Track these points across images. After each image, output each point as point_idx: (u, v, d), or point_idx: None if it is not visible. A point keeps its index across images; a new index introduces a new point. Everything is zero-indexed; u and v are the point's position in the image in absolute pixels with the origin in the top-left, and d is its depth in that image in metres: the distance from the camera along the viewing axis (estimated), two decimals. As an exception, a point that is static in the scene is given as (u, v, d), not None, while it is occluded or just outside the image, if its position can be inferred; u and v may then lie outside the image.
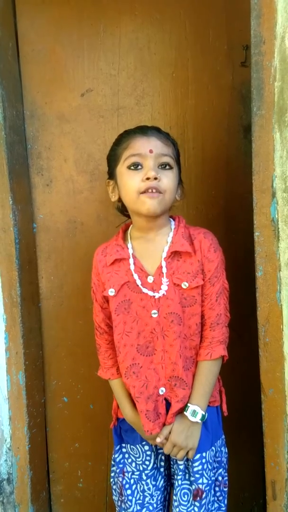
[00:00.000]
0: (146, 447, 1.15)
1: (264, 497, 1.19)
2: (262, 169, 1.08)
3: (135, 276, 1.09)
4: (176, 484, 1.13)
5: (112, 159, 1.11)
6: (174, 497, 1.13)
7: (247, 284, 1.22)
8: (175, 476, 1.13)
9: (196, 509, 1.09)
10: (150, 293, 1.07)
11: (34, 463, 1.49)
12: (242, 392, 1.43)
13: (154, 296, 1.07)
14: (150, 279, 1.08)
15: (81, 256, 1.51)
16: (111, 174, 1.12)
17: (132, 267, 1.09)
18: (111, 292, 1.10)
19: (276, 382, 1.12)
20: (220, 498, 1.16)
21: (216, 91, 1.42)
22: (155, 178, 1.02)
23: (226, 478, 1.18)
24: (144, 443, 1.14)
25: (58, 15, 1.45)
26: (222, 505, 1.17)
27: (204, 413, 1.07)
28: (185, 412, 1.07)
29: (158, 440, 1.07)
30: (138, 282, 1.08)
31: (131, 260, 1.10)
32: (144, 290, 1.08)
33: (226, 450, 1.20)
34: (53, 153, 1.50)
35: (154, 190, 1.02)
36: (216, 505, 1.16)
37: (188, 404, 1.07)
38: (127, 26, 1.43)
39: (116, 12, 1.43)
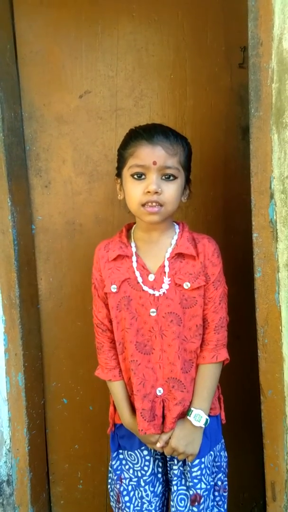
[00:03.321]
0: (145, 452, 1.14)
1: (264, 498, 1.19)
2: (260, 171, 1.08)
3: (137, 273, 1.09)
4: (173, 490, 1.12)
5: (120, 160, 1.10)
6: (171, 503, 1.12)
7: (245, 286, 1.22)
8: (172, 482, 1.12)
9: None
10: (150, 291, 1.07)
11: (33, 464, 1.49)
12: (241, 393, 1.43)
13: (154, 295, 1.07)
14: (151, 277, 1.08)
15: (80, 257, 1.51)
16: (119, 174, 1.12)
17: (134, 264, 1.09)
18: (113, 288, 1.09)
19: (275, 383, 1.12)
20: (220, 503, 1.16)
21: (214, 93, 1.42)
22: (156, 192, 1.01)
23: (225, 482, 1.17)
24: (143, 447, 1.13)
25: (56, 16, 1.45)
26: (222, 510, 1.16)
27: (207, 417, 1.06)
28: (188, 417, 1.06)
29: (158, 445, 1.06)
30: (139, 279, 1.08)
31: (134, 258, 1.10)
32: (145, 288, 1.08)
33: (226, 454, 1.19)
34: (51, 155, 1.50)
35: (154, 204, 1.02)
36: (215, 510, 1.15)
37: (192, 408, 1.06)
38: (125, 27, 1.43)
39: (114, 13, 1.42)
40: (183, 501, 1.10)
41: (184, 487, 1.11)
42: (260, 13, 1.04)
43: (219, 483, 1.16)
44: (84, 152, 1.49)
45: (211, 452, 1.13)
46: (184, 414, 1.07)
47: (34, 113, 1.49)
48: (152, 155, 1.02)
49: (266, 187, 1.08)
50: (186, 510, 1.10)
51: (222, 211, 1.46)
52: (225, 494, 1.17)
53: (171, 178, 1.04)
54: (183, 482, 1.11)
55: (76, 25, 1.44)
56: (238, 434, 1.47)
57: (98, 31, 1.44)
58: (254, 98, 1.07)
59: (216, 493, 1.15)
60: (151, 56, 1.43)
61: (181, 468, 1.11)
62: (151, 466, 1.14)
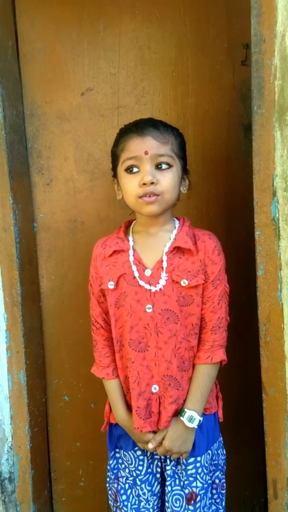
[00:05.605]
0: (139, 452, 1.13)
1: (266, 496, 1.19)
2: (263, 168, 1.08)
3: (133, 268, 1.07)
4: (167, 490, 1.10)
5: (113, 159, 1.11)
6: (166, 504, 1.11)
7: (247, 283, 1.22)
8: (166, 482, 1.11)
9: None
10: (147, 286, 1.05)
11: (35, 462, 1.49)
12: (242, 391, 1.43)
13: (150, 290, 1.05)
14: (147, 273, 1.07)
15: (82, 255, 1.51)
16: (115, 173, 1.12)
17: (131, 258, 1.08)
18: (110, 285, 1.08)
19: (277, 381, 1.12)
20: (218, 500, 1.15)
21: (217, 90, 1.41)
22: (152, 183, 1.01)
23: (223, 480, 1.16)
24: (136, 448, 1.13)
25: (58, 14, 1.45)
26: (220, 507, 1.16)
27: (200, 418, 1.05)
28: (181, 418, 1.05)
29: (151, 446, 1.05)
30: (136, 273, 1.06)
31: (130, 252, 1.09)
32: (141, 282, 1.06)
33: (224, 452, 1.18)
34: (53, 152, 1.50)
35: (151, 195, 1.02)
36: (213, 507, 1.14)
37: (185, 410, 1.05)
38: (127, 25, 1.43)
39: (116, 11, 1.42)
40: (178, 501, 1.09)
41: (179, 487, 1.10)
42: (263, 9, 1.04)
43: (217, 481, 1.15)
44: (86, 149, 1.48)
45: (209, 451, 1.12)
46: (178, 412, 1.06)
47: (36, 111, 1.49)
48: (143, 145, 1.01)
49: (269, 185, 1.08)
50: (182, 510, 1.08)
51: (224, 209, 1.45)
52: (223, 491, 1.16)
53: (166, 166, 1.03)
54: (177, 482, 1.10)
55: (78, 23, 1.44)
56: (240, 431, 1.47)
57: (100, 28, 1.44)
58: (257, 95, 1.06)
59: (214, 491, 1.15)
60: (153, 53, 1.43)
61: (173, 468, 1.10)
62: (145, 465, 1.13)
